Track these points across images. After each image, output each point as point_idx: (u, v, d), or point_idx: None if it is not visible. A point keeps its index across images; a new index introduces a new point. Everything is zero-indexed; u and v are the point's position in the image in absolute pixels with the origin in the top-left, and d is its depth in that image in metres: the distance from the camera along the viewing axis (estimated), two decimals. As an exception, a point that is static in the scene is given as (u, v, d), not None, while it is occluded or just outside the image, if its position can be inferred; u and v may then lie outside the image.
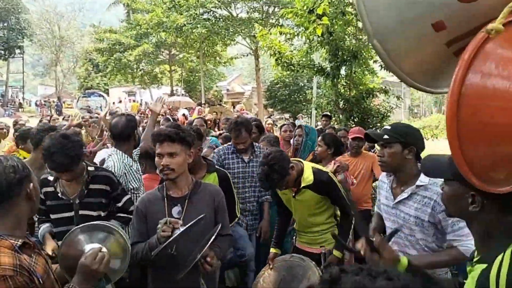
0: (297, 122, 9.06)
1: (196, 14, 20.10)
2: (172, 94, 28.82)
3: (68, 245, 1.76)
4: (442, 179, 1.33)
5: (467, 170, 0.94)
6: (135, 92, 34.75)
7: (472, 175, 0.94)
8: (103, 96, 28.49)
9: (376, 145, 5.85)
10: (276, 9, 20.06)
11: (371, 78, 8.54)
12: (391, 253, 1.44)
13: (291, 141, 4.81)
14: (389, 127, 2.21)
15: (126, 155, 3.07)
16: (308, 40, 7.99)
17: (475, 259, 1.17)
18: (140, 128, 5.51)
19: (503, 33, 0.90)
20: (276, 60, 8.06)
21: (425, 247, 2.12)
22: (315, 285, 0.73)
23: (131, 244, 2.18)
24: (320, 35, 7.22)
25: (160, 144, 2.15)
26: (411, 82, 1.15)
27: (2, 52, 31.94)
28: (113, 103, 27.79)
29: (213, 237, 1.97)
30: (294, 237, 3.19)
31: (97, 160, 3.42)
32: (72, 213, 2.54)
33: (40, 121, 7.29)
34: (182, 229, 1.97)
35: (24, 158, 3.48)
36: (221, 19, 21.14)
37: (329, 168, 3.45)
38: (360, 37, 7.84)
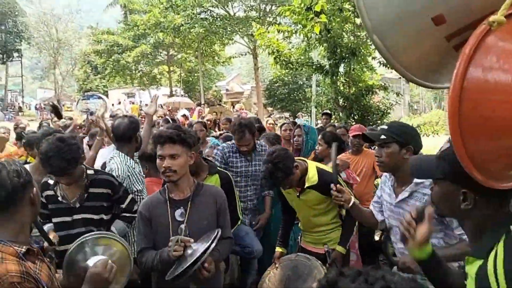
0: (297, 121, 9.05)
1: (194, 13, 20.10)
2: (171, 94, 28.83)
3: (73, 258, 1.75)
4: (429, 188, 1.32)
5: (470, 165, 0.93)
6: (135, 93, 34.73)
7: (475, 170, 0.94)
8: (102, 98, 28.51)
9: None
10: (274, 7, 20.04)
11: (370, 75, 8.53)
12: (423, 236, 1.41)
13: (291, 140, 4.80)
14: (385, 127, 2.20)
15: (128, 157, 3.05)
16: (306, 38, 7.98)
17: (469, 257, 1.17)
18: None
19: (504, 25, 0.89)
20: (274, 58, 8.04)
21: (433, 245, 2.11)
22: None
23: (139, 250, 2.19)
24: (318, 32, 7.20)
25: (161, 146, 2.13)
26: (411, 77, 1.14)
27: (0, 55, 31.92)
28: (112, 104, 27.77)
29: (214, 244, 1.96)
30: (299, 237, 3.18)
31: (97, 164, 3.39)
32: (72, 217, 2.52)
33: (40, 124, 7.26)
34: (195, 247, 1.97)
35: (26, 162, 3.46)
36: (218, 18, 21.13)
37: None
38: (358, 34, 7.82)
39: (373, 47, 7.89)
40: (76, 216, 2.52)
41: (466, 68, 0.90)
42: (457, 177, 1.11)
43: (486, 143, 0.91)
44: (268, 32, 8.51)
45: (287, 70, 9.62)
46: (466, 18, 0.98)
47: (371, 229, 3.96)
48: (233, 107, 22.65)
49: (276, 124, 9.71)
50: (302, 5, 7.17)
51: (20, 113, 30.68)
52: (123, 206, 2.70)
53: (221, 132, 6.70)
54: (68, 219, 2.51)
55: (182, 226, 2.09)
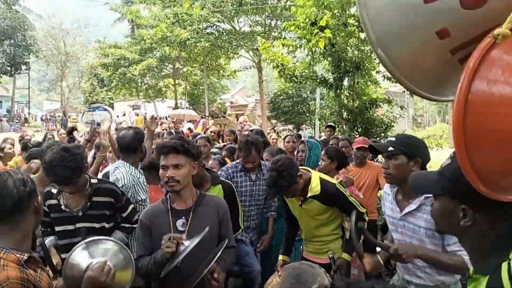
0: (301, 133, 9.05)
1: (200, 28, 20.35)
2: (176, 107, 29.01)
3: (72, 263, 1.73)
4: (430, 204, 1.30)
5: (475, 178, 0.92)
6: (140, 105, 34.99)
7: (480, 183, 0.93)
8: (108, 110, 28.73)
9: (380, 156, 5.84)
10: (279, 22, 20.26)
11: (374, 89, 8.55)
12: None
13: (295, 152, 4.81)
14: (393, 139, 2.19)
15: (133, 167, 3.11)
16: (310, 52, 8.03)
17: (472, 273, 1.14)
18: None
19: (509, 39, 0.89)
20: (279, 72, 8.09)
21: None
22: None
23: (136, 258, 2.17)
24: (322, 47, 7.26)
25: (165, 156, 2.15)
26: (416, 90, 1.15)
27: (9, 68, 32.35)
28: (117, 116, 27.97)
29: (220, 252, 1.95)
30: (301, 247, 3.17)
31: (100, 174, 3.43)
32: (75, 226, 2.54)
33: (45, 135, 7.33)
34: (187, 243, 1.96)
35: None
36: (224, 33, 21.37)
37: None
38: (363, 48, 7.87)
39: (377, 61, 7.94)
40: (78, 225, 2.54)
41: (470, 81, 0.90)
42: (456, 193, 1.10)
43: (491, 156, 0.91)
44: (273, 46, 8.58)
45: (291, 84, 9.68)
46: (470, 32, 0.98)
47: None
48: (237, 119, 22.73)
49: (280, 137, 9.71)
50: (307, 20, 7.24)
51: (26, 124, 30.96)
52: (124, 215, 2.73)
53: (225, 143, 6.71)
54: (71, 227, 2.53)
55: (184, 236, 2.08)
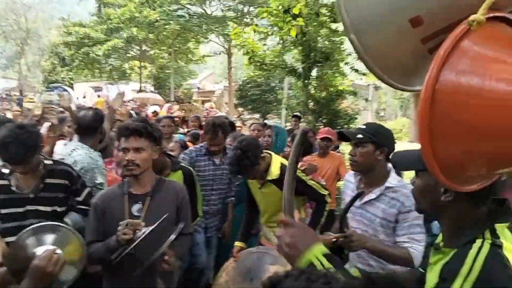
0: (267, 122, 9.07)
1: (170, 10, 19.84)
2: (140, 90, 28.28)
3: (18, 247, 1.64)
4: (411, 183, 1.32)
5: (436, 167, 0.92)
6: (102, 87, 33.81)
7: (440, 173, 0.93)
8: (67, 91, 27.53)
9: (341, 148, 5.95)
10: (251, 9, 20.09)
11: (341, 81, 8.68)
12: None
13: (260, 140, 4.80)
14: (363, 126, 2.21)
15: (92, 150, 2.99)
16: (281, 40, 8.03)
17: (442, 247, 1.18)
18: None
19: (479, 30, 0.89)
20: (249, 59, 8.05)
21: None
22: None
23: (87, 243, 2.07)
24: (294, 35, 7.26)
25: (126, 139, 2.06)
26: (386, 79, 1.13)
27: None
28: (77, 98, 26.93)
29: (174, 236, 1.91)
30: (259, 237, 3.18)
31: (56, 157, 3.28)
32: (24, 208, 2.40)
33: (-2, 114, 6.94)
34: (143, 230, 1.90)
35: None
36: (195, 16, 20.97)
37: None
38: (333, 39, 7.94)
39: (346, 52, 8.05)
40: (29, 207, 2.40)
41: (439, 70, 0.89)
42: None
43: (453, 146, 0.91)
44: (245, 32, 8.51)
45: (260, 72, 9.66)
46: (443, 20, 0.97)
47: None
48: (204, 105, 22.47)
49: (246, 125, 9.67)
50: (280, 7, 7.21)
51: (-22, 102, 29.19)
52: (80, 199, 2.60)
53: (189, 129, 6.61)
54: (20, 210, 2.38)
55: (142, 223, 2.01)
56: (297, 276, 0.68)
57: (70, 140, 3.84)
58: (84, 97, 28.13)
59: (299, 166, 3.40)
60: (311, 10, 7.27)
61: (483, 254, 1.04)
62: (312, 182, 2.85)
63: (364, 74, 8.70)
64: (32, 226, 1.71)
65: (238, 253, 2.86)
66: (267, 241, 3.03)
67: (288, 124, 10.06)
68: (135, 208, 2.11)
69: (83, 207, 2.61)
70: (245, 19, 20.56)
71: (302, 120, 8.17)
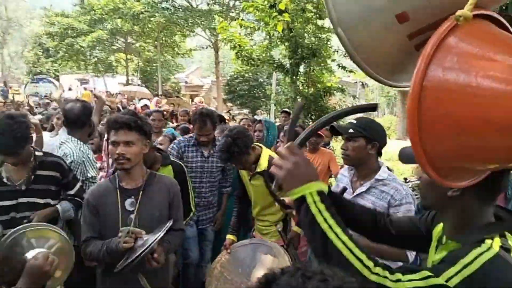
0: (257, 117, 9.08)
1: (154, 2, 19.58)
2: (127, 83, 27.93)
3: (8, 249, 1.62)
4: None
5: (425, 162, 0.94)
6: (88, 80, 33.29)
7: (429, 168, 0.95)
8: (53, 82, 27.02)
9: (332, 144, 5.98)
10: (237, 3, 19.97)
11: (328, 77, 8.72)
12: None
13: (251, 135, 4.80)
14: (354, 121, 2.24)
15: (82, 143, 2.96)
16: (268, 36, 8.01)
17: (445, 240, 1.17)
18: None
19: (465, 27, 0.90)
20: (236, 53, 8.02)
21: None
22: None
23: (84, 240, 2.07)
24: (280, 31, 7.25)
25: (116, 132, 2.04)
26: (373, 74, 1.14)
27: None
28: (63, 91, 26.45)
29: (163, 232, 1.90)
30: (253, 231, 3.20)
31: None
32: (17, 200, 2.37)
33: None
34: (145, 238, 1.89)
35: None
36: (180, 9, 20.75)
37: None
38: (320, 35, 7.96)
39: (333, 49, 8.09)
40: (21, 199, 2.38)
41: (426, 67, 0.91)
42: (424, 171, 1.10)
43: (442, 142, 0.92)
44: (231, 26, 8.46)
45: (248, 67, 9.64)
46: (429, 17, 0.99)
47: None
48: (192, 100, 22.32)
49: (235, 120, 9.65)
50: (266, 2, 7.19)
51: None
52: (72, 192, 2.59)
53: (178, 124, 6.57)
54: (12, 202, 2.36)
55: (132, 216, 2.00)
56: (293, 273, 0.67)
57: (57, 133, 3.78)
58: (70, 89, 27.67)
59: None
60: (297, 6, 7.28)
61: (491, 253, 1.01)
62: None
63: (351, 71, 8.75)
64: (15, 230, 1.69)
65: (231, 246, 2.87)
66: (256, 233, 3.05)
67: (277, 120, 10.07)
68: (128, 202, 2.09)
69: (76, 198, 2.60)
70: (231, 13, 20.42)
71: (291, 116, 8.20)
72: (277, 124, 7.45)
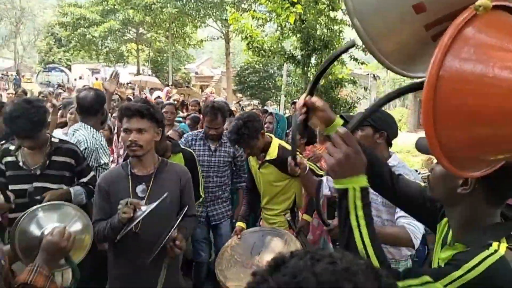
0: (267, 109, 9.07)
1: (167, -7, 19.56)
2: (138, 73, 28.07)
3: (25, 226, 1.63)
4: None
5: (440, 152, 0.94)
6: (99, 69, 33.51)
7: (444, 158, 0.95)
8: (65, 72, 27.24)
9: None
10: (249, -6, 19.83)
11: (340, 69, 8.65)
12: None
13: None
14: (363, 111, 2.23)
15: (95, 130, 3.01)
16: (280, 27, 7.96)
17: (453, 242, 1.16)
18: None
19: (483, 18, 0.90)
20: (247, 44, 7.99)
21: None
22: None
23: (93, 221, 2.11)
24: (292, 22, 7.21)
25: (128, 119, 2.07)
26: (389, 64, 1.14)
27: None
28: (75, 79, 26.70)
29: (179, 219, 1.94)
30: (260, 219, 3.22)
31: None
32: (32, 185, 2.43)
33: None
34: (144, 209, 1.92)
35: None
36: (192, 0, 20.68)
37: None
38: (332, 27, 7.89)
39: (345, 41, 8.01)
40: (36, 184, 2.44)
41: (443, 57, 0.91)
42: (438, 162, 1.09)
43: (456, 132, 0.93)
44: (243, 18, 8.43)
45: (258, 58, 9.60)
46: (446, 7, 0.98)
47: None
48: (202, 90, 22.36)
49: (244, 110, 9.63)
50: (278, -7, 7.14)
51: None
52: (85, 180, 2.64)
53: (189, 113, 6.60)
54: (27, 186, 2.41)
55: (142, 202, 2.03)
56: (302, 256, 0.68)
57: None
58: (81, 78, 27.90)
59: (304, 155, 3.44)
60: (310, -3, 7.22)
61: (496, 256, 1.00)
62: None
63: (363, 63, 8.67)
64: (34, 207, 1.71)
65: (241, 232, 2.89)
66: (263, 222, 3.08)
67: (287, 111, 10.05)
68: (139, 189, 2.13)
69: (89, 186, 2.66)
70: (242, 5, 20.31)
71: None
72: (287, 115, 7.44)
